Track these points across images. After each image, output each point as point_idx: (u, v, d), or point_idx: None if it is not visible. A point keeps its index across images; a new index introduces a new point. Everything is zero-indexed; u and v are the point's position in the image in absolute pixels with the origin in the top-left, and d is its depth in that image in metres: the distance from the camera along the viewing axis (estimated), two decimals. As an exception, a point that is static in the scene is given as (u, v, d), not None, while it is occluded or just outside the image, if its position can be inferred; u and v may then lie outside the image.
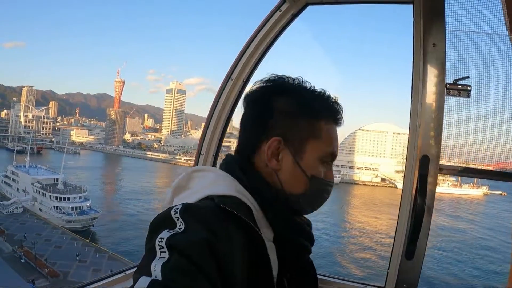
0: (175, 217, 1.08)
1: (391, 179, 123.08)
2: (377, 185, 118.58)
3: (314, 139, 1.36)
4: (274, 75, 1.43)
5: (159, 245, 1.01)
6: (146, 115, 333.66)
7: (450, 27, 2.52)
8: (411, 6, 2.69)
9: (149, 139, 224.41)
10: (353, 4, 3.08)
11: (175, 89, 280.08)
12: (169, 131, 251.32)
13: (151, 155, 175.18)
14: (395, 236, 2.70)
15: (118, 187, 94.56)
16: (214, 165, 3.19)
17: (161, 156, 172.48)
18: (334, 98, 1.42)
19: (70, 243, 49.60)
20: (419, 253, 2.52)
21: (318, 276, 1.58)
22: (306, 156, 1.35)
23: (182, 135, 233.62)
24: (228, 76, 3.13)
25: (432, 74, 2.54)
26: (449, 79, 2.54)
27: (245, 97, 1.44)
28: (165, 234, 1.03)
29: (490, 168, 2.71)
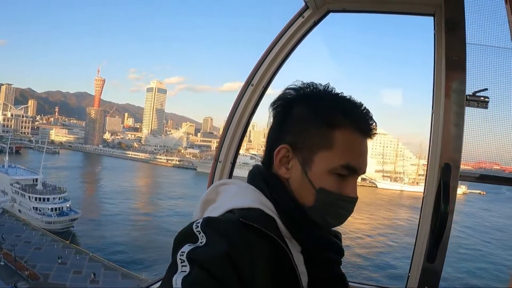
0: (197, 231, 1.09)
1: (372, 179, 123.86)
2: (358, 185, 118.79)
3: (325, 149, 1.28)
4: (299, 81, 1.38)
5: (180, 259, 1.01)
6: (126, 114, 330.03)
7: (470, 41, 2.63)
8: (431, 18, 2.79)
9: (129, 139, 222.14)
10: (373, 14, 3.16)
11: (155, 88, 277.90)
12: (149, 130, 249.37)
13: (131, 154, 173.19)
14: (416, 240, 2.80)
15: (97, 187, 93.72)
16: (231, 172, 3.19)
17: (141, 155, 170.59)
18: (364, 107, 1.33)
19: (50, 245, 48.91)
20: (441, 256, 2.60)
21: None
22: (314, 166, 1.29)
23: (163, 135, 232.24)
24: (248, 82, 3.12)
25: (453, 85, 2.62)
26: (468, 91, 2.63)
27: (270, 106, 1.42)
28: (186, 248, 1.04)
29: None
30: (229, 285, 0.98)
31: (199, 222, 1.12)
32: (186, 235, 1.11)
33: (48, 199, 59.32)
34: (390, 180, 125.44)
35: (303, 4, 2.98)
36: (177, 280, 0.96)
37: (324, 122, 1.28)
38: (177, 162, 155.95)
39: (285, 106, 1.37)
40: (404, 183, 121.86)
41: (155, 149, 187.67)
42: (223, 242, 1.05)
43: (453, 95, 2.61)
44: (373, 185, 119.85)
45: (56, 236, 52.16)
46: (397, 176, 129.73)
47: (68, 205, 60.22)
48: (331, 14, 3.04)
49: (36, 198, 59.06)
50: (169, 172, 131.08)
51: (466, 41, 2.60)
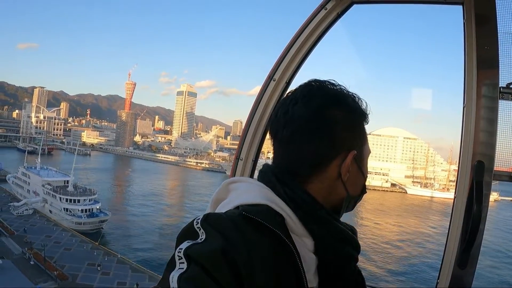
0: (197, 227, 1.09)
1: (401, 184, 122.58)
2: (387, 190, 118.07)
3: (366, 143, 1.39)
4: (316, 80, 1.37)
5: (178, 255, 1.03)
6: (156, 117, 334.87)
7: (502, 29, 2.46)
8: (460, 7, 2.63)
9: (159, 141, 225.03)
10: (398, 4, 3.02)
11: (185, 91, 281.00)
12: (179, 133, 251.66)
13: (161, 157, 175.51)
14: (446, 244, 2.61)
15: (127, 189, 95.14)
16: (253, 171, 3.07)
17: (171, 158, 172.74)
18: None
19: (79, 246, 50.18)
20: (472, 262, 2.44)
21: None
22: (364, 159, 1.38)
23: (193, 138, 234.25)
24: (270, 77, 2.98)
25: (485, 77, 2.47)
26: (502, 83, 2.47)
27: (287, 110, 1.33)
28: (185, 244, 1.05)
29: None
30: (223, 282, 0.98)
31: (199, 219, 1.12)
32: (187, 232, 1.11)
33: (78, 201, 60.89)
34: (420, 186, 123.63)
35: (326, -5, 2.86)
36: (173, 277, 0.97)
37: (363, 122, 1.37)
38: (207, 165, 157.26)
39: (317, 112, 1.30)
40: (435, 189, 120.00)
41: (185, 152, 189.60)
42: (219, 237, 1.06)
43: (485, 87, 2.46)
44: (403, 191, 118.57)
45: (85, 237, 53.31)
46: (428, 182, 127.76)
47: (98, 207, 61.68)
48: (355, 6, 2.90)
49: (67, 200, 60.64)
50: (199, 175, 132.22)
51: (498, 30, 2.44)
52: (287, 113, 1.31)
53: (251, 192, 1.27)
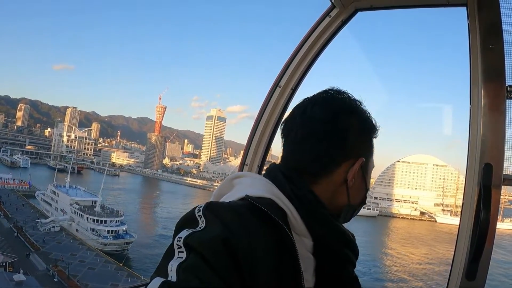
0: (198, 215, 1.09)
1: (431, 213, 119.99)
2: (416, 219, 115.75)
3: (372, 157, 1.44)
4: (333, 89, 1.41)
5: (177, 244, 1.01)
6: (186, 141, 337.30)
7: (506, 28, 2.42)
8: (464, 9, 2.60)
9: (188, 165, 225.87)
10: (403, 9, 3.01)
11: (215, 116, 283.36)
12: (208, 157, 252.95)
13: (189, 180, 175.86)
14: (454, 254, 2.52)
15: (154, 210, 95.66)
16: None
17: (199, 182, 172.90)
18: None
19: (103, 266, 50.42)
20: (482, 273, 2.32)
21: None
22: (369, 170, 1.42)
23: (221, 162, 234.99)
24: (276, 83, 3.02)
25: (491, 76, 2.42)
26: (509, 81, 2.40)
27: (305, 111, 1.38)
28: (184, 233, 1.04)
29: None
30: (222, 270, 0.97)
31: (201, 206, 1.12)
32: (187, 220, 1.11)
33: (105, 222, 61.47)
34: (450, 214, 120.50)
35: (330, 3, 2.89)
36: (172, 266, 0.96)
37: (374, 134, 1.43)
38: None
39: (333, 117, 1.35)
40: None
41: (213, 176, 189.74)
42: (219, 225, 1.05)
43: (492, 87, 2.41)
44: (432, 219, 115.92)
45: (110, 257, 53.67)
46: (458, 210, 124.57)
47: (124, 229, 62.08)
48: (361, 13, 2.93)
49: (93, 220, 61.28)
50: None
51: (503, 29, 2.40)
52: (305, 113, 1.36)
53: (255, 186, 1.27)
